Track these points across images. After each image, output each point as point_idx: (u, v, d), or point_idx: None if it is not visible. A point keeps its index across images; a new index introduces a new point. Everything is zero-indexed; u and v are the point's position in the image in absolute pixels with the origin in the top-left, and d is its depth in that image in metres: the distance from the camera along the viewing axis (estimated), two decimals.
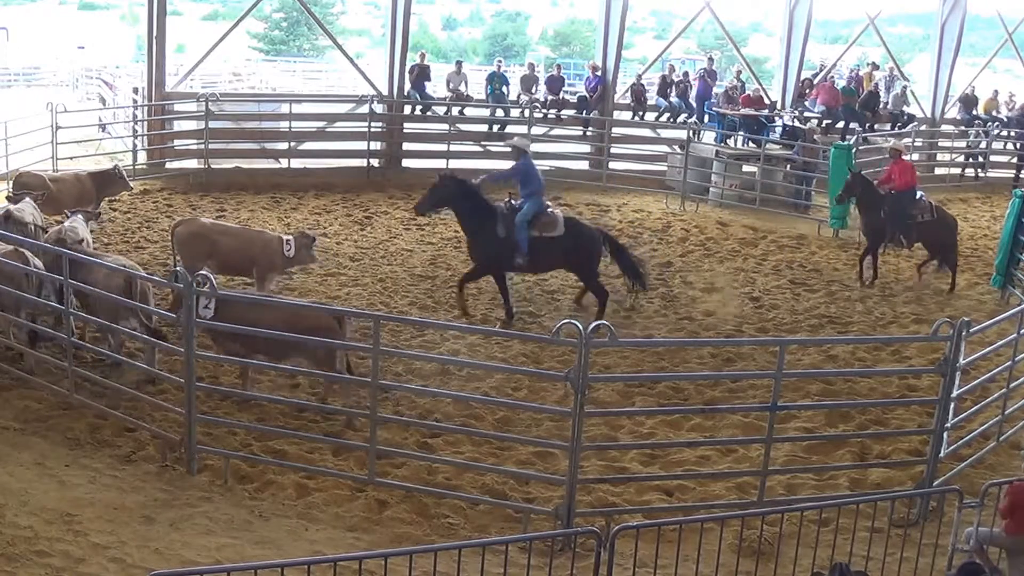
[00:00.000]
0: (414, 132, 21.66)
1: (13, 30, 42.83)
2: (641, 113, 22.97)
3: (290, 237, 12.66)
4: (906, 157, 17.00)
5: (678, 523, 7.45)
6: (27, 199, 12.95)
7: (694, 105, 22.85)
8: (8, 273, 9.91)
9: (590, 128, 22.53)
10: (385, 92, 21.17)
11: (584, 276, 13.46)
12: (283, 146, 20.19)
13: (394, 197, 19.35)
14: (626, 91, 23.25)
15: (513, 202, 13.27)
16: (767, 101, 23.20)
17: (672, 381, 11.14)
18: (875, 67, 25.47)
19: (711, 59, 24.58)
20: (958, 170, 24.33)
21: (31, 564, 6.81)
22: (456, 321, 12.60)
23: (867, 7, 26.32)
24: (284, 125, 20.72)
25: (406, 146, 21.55)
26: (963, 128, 24.84)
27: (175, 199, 17.99)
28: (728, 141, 22.11)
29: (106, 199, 16.02)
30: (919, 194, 15.71)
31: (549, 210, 13.37)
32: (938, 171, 24.15)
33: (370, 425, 8.41)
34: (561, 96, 22.43)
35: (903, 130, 23.37)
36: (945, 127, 25.08)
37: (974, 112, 25.10)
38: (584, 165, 22.47)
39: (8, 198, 13.38)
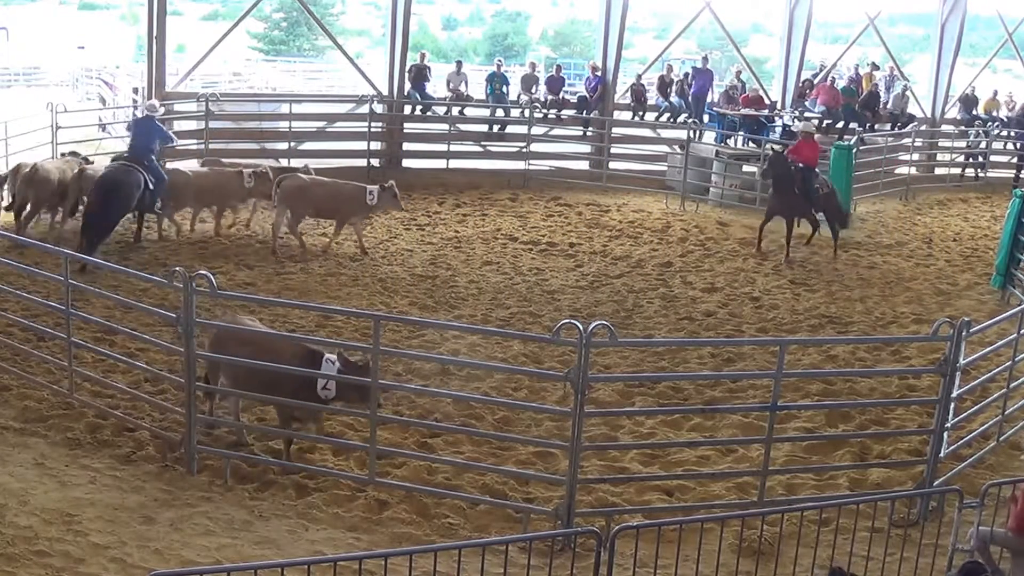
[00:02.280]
0: (414, 132, 21.67)
1: (13, 30, 42.79)
2: (641, 113, 22.97)
3: (373, 188, 15.44)
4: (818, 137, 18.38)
5: (678, 523, 7.44)
6: (68, 158, 15.71)
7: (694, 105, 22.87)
8: None
9: (590, 128, 22.54)
10: (385, 92, 21.17)
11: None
12: (283, 146, 20.18)
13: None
14: (626, 91, 23.25)
15: None
16: (767, 101, 23.20)
17: (672, 381, 11.14)
18: (875, 67, 25.48)
19: (705, 58, 24.59)
20: (958, 170, 24.33)
21: (31, 564, 6.81)
22: (456, 321, 12.60)
23: (867, 7, 26.32)
24: (284, 125, 20.71)
25: (406, 146, 21.56)
26: (963, 128, 24.84)
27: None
28: (728, 141, 22.12)
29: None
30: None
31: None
32: (938, 171, 24.17)
33: (370, 425, 8.41)
34: (561, 96, 22.43)
35: (903, 130, 23.40)
36: (945, 127, 25.08)
37: (974, 112, 25.10)
38: (584, 165, 22.48)
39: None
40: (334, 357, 8.53)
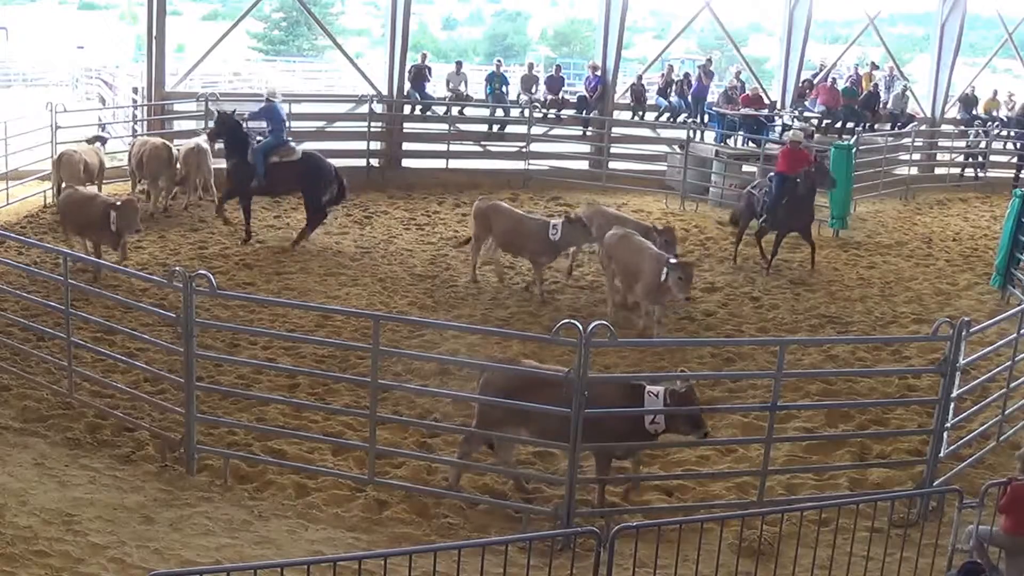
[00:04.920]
0: (414, 132, 21.66)
1: (13, 30, 42.80)
2: (641, 113, 22.96)
3: (556, 222, 13.73)
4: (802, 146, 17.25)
5: (678, 523, 7.44)
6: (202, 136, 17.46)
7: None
8: None
9: (590, 128, 22.54)
10: (385, 92, 21.17)
11: (308, 198, 16.00)
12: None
13: (394, 197, 19.36)
14: (626, 91, 23.24)
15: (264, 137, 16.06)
16: (766, 101, 23.20)
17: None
18: (875, 67, 25.48)
19: (709, 60, 24.61)
20: (958, 170, 24.33)
21: (31, 564, 6.80)
22: (455, 321, 12.60)
23: (867, 7, 26.32)
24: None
25: (406, 146, 21.55)
26: (963, 128, 24.83)
27: (174, 199, 17.98)
28: (728, 141, 22.11)
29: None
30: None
31: (290, 143, 16.18)
32: (938, 171, 24.16)
33: (370, 425, 8.41)
34: (561, 96, 22.43)
35: (903, 130, 23.40)
36: (945, 127, 25.08)
37: (974, 112, 25.10)
38: (584, 165, 22.47)
39: None
40: (656, 390, 8.19)
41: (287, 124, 16.63)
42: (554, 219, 14.01)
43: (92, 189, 15.12)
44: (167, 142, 17.24)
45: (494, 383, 8.44)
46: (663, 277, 11.99)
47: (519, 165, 21.46)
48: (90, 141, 17.15)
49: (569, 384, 7.62)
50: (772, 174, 16.33)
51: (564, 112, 22.33)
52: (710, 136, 22.34)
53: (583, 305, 13.84)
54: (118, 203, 13.46)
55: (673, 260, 12.19)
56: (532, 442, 8.63)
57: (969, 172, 24.39)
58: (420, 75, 21.32)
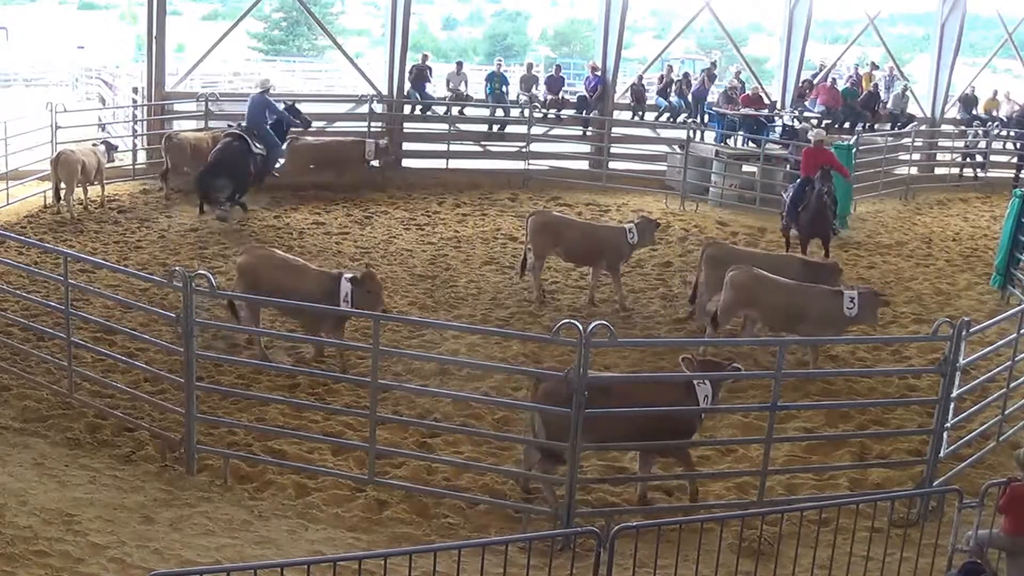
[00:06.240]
0: (414, 132, 21.66)
1: (13, 30, 42.81)
2: (641, 113, 22.97)
3: (630, 225, 13.81)
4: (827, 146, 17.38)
5: (678, 523, 7.45)
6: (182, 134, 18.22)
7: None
8: None
9: (590, 128, 22.54)
10: (385, 92, 21.17)
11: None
12: (283, 146, 20.15)
13: (394, 197, 19.35)
14: (626, 91, 23.25)
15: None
16: (766, 101, 23.20)
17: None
18: (875, 67, 25.48)
19: (714, 63, 24.59)
20: (958, 170, 24.33)
21: (31, 564, 6.81)
22: (455, 321, 12.60)
23: (867, 7, 26.32)
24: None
25: (406, 146, 21.54)
26: (963, 128, 24.84)
27: (174, 199, 17.99)
28: (728, 141, 22.11)
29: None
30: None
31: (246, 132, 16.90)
32: (938, 171, 24.18)
33: (370, 425, 8.41)
34: (561, 96, 22.43)
35: (903, 130, 23.40)
36: (945, 127, 25.09)
37: (974, 112, 25.10)
38: (584, 165, 22.47)
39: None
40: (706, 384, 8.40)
41: (262, 116, 17.08)
42: (626, 223, 14.13)
43: (289, 256, 11.84)
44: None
45: (557, 393, 8.04)
46: (851, 311, 11.28)
47: (519, 165, 21.45)
48: (96, 145, 17.27)
49: (570, 384, 7.62)
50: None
51: (564, 112, 22.33)
52: (710, 136, 22.33)
53: (583, 305, 13.84)
54: (355, 275, 10.51)
55: (879, 293, 12.03)
56: (542, 443, 8.61)
57: (969, 172, 24.39)
58: (421, 75, 21.32)
